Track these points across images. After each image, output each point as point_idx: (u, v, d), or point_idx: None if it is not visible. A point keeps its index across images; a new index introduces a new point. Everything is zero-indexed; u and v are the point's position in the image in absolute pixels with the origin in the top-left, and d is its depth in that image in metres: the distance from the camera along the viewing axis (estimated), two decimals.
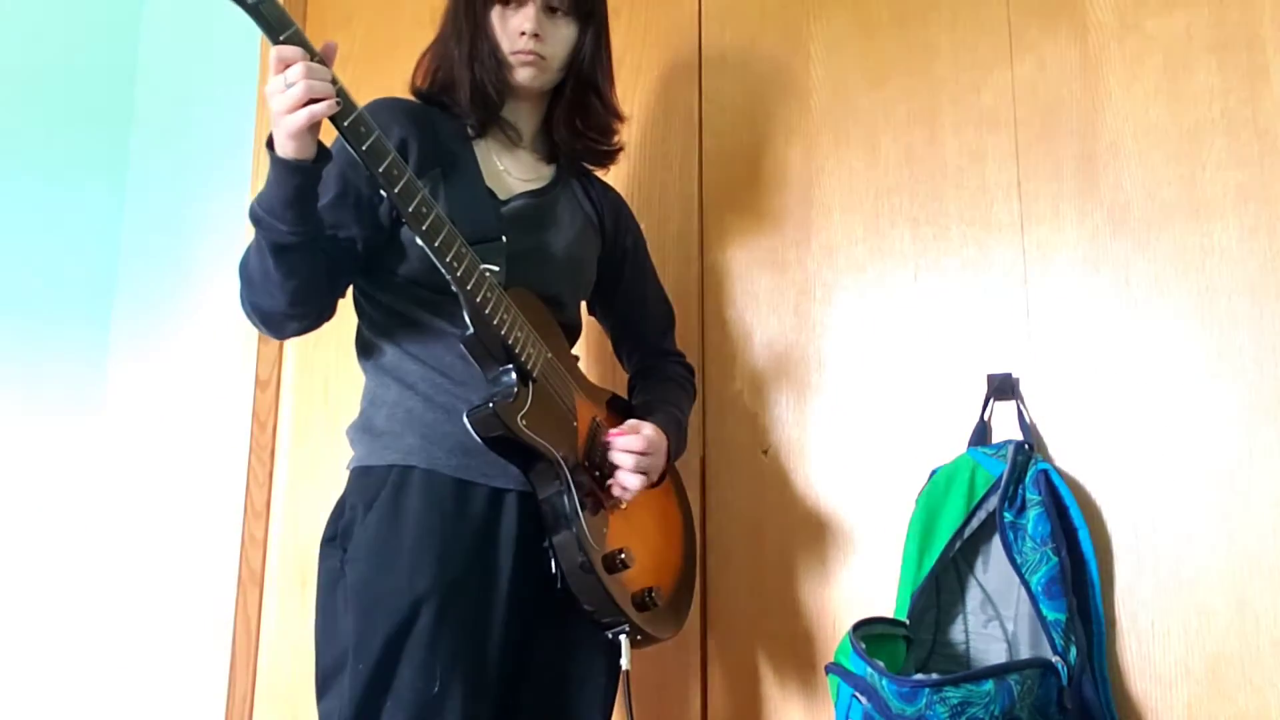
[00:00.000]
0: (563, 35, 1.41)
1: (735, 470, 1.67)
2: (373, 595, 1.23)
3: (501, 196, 1.38)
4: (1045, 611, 1.29)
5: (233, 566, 2.10)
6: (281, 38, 1.09)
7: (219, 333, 2.26)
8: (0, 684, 2.20)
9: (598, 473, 1.31)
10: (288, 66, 1.09)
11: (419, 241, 1.18)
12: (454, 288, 1.20)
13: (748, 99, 1.77)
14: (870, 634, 1.32)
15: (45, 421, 2.33)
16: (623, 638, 1.28)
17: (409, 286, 1.33)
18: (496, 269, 1.26)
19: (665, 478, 1.41)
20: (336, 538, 1.30)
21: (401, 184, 1.15)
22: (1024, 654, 1.34)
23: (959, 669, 1.38)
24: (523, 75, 1.39)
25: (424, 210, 1.16)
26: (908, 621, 1.37)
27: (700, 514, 1.66)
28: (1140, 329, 1.40)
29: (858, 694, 1.24)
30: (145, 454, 2.35)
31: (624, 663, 1.27)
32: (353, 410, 1.37)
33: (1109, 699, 1.30)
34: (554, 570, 1.25)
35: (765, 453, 1.65)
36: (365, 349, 1.39)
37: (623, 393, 1.53)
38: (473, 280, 1.20)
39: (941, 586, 1.43)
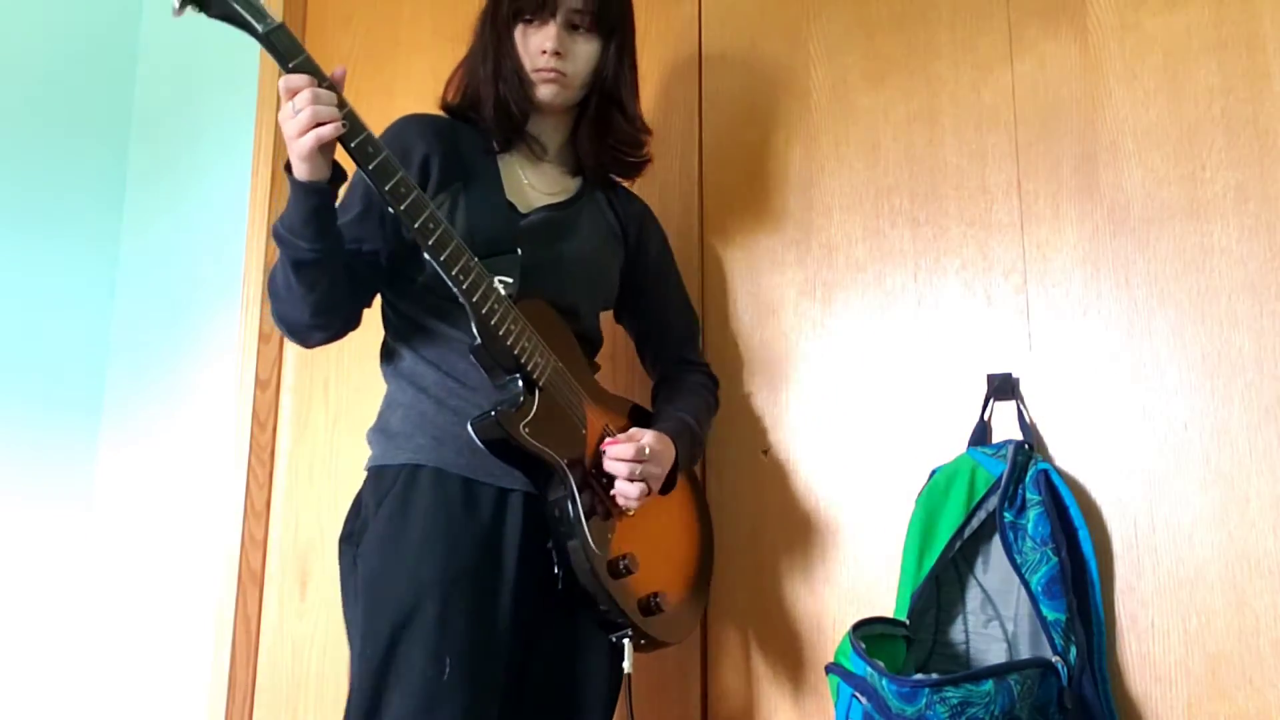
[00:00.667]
0: (585, 52, 1.43)
1: (735, 470, 1.66)
2: (380, 585, 1.27)
3: (522, 209, 1.42)
4: (1045, 611, 1.29)
5: (233, 566, 2.10)
6: (291, 65, 1.14)
7: (219, 332, 2.26)
8: (0, 684, 2.20)
9: (605, 480, 1.33)
10: (295, 94, 1.14)
11: (425, 256, 1.22)
12: (460, 300, 1.23)
13: (748, 99, 1.77)
14: (870, 634, 1.32)
15: (45, 420, 2.33)
16: (625, 641, 1.29)
17: (426, 295, 1.37)
18: (510, 280, 1.30)
19: (674, 484, 1.42)
20: (352, 535, 1.35)
21: (408, 201, 1.19)
22: (1024, 654, 1.34)
23: (959, 669, 1.38)
24: (545, 93, 1.42)
25: (430, 226, 1.20)
26: (908, 621, 1.37)
27: None
28: (1140, 329, 1.40)
29: (858, 694, 1.24)
30: (145, 454, 2.35)
31: (626, 666, 1.30)
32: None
33: (1109, 699, 1.30)
34: (557, 572, 1.28)
35: (765, 453, 1.65)
36: (387, 355, 1.43)
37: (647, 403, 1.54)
38: (479, 292, 1.23)
39: (941, 586, 1.43)
